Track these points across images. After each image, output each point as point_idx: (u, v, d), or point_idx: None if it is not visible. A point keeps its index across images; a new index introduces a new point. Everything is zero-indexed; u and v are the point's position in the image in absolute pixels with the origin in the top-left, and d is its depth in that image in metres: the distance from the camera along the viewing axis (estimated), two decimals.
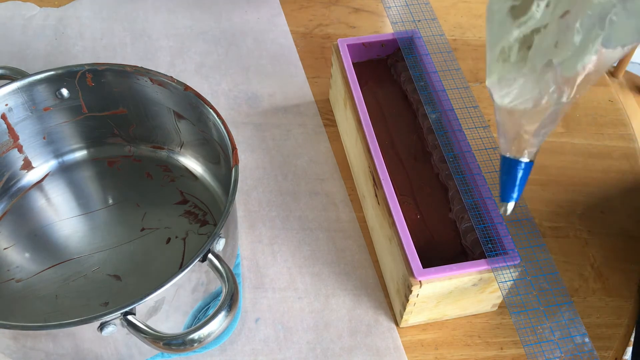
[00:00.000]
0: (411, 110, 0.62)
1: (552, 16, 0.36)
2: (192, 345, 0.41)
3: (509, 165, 0.41)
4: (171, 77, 0.54)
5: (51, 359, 0.47)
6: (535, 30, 0.36)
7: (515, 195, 0.42)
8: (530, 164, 0.41)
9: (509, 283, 0.48)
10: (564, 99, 0.37)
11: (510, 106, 0.39)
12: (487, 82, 0.40)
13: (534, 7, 0.36)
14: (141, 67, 0.55)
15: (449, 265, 0.48)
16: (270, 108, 0.68)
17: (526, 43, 0.37)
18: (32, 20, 0.75)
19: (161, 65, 0.71)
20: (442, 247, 0.52)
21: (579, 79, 0.36)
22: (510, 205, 0.42)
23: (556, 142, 0.67)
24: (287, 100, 0.69)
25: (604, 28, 0.34)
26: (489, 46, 0.39)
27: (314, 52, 0.74)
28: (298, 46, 0.74)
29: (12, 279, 0.53)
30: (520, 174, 0.41)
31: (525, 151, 0.40)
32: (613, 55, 0.35)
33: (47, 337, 0.44)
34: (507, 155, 0.41)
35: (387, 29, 0.76)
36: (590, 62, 0.35)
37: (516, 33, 0.37)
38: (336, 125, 0.67)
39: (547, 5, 0.35)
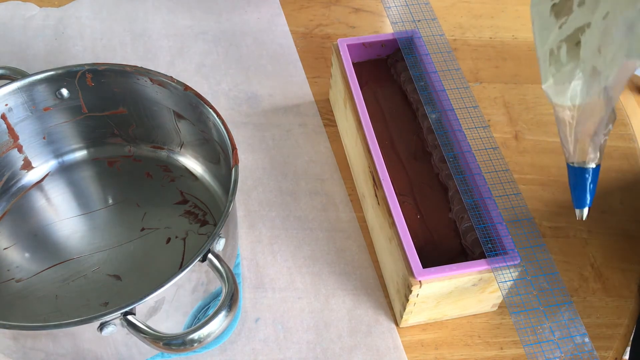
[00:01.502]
0: (411, 110, 0.62)
1: (593, 16, 0.35)
2: (192, 345, 0.41)
3: (575, 174, 0.42)
4: (171, 77, 0.54)
5: (51, 359, 0.47)
6: (580, 30, 0.36)
7: (587, 201, 0.42)
8: (596, 169, 0.41)
9: (509, 283, 0.48)
10: (613, 97, 0.37)
11: (568, 104, 0.39)
12: (543, 86, 0.40)
13: (574, 5, 0.36)
14: (141, 67, 0.55)
15: (449, 265, 0.48)
16: (270, 108, 0.68)
17: (573, 41, 0.37)
18: (32, 20, 0.75)
19: (161, 65, 0.71)
20: (442, 247, 0.52)
21: (622, 79, 0.36)
22: (585, 211, 0.43)
23: (556, 142, 0.67)
24: (287, 100, 0.69)
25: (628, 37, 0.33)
26: (538, 50, 0.39)
27: (314, 52, 0.74)
28: (298, 46, 0.74)
29: (12, 279, 0.53)
30: (588, 180, 0.41)
31: (589, 156, 0.41)
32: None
33: (47, 337, 0.44)
34: (573, 163, 0.41)
35: (387, 29, 0.76)
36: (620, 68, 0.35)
37: (560, 32, 0.37)
38: (336, 125, 0.67)
39: (583, 4, 0.35)
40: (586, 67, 0.37)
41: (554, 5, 0.37)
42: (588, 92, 0.38)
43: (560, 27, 0.37)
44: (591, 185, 0.42)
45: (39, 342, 0.44)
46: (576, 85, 0.38)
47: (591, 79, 0.37)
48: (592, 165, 0.41)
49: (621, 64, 0.34)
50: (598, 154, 0.41)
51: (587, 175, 0.41)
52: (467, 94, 0.58)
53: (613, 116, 0.39)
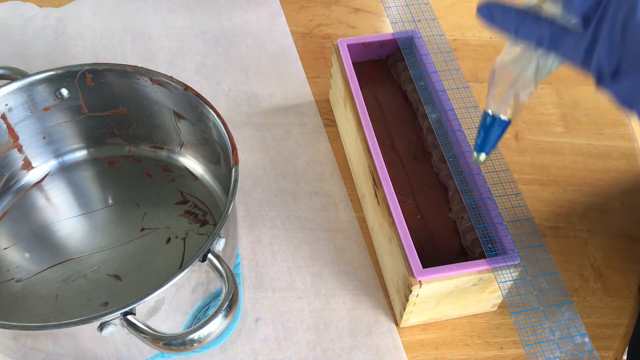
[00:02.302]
0: (411, 110, 0.62)
1: None
2: (192, 345, 0.41)
3: (489, 121, 0.45)
4: (171, 77, 0.54)
5: (51, 359, 0.47)
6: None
7: (488, 148, 0.45)
8: (508, 123, 0.44)
9: (509, 283, 0.48)
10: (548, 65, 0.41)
11: (508, 65, 0.43)
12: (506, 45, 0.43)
13: None
14: (141, 67, 0.55)
15: (449, 265, 0.48)
16: (270, 108, 0.68)
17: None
18: (32, 20, 0.75)
19: (161, 65, 0.71)
20: (442, 247, 0.52)
21: None
22: (483, 156, 0.45)
23: (556, 142, 0.67)
24: (287, 100, 0.69)
25: None
26: None
27: (314, 52, 0.74)
28: (298, 46, 0.74)
29: (12, 279, 0.53)
30: (498, 130, 0.45)
31: (505, 108, 0.44)
32: None
33: (47, 337, 0.44)
34: (489, 111, 0.44)
35: (387, 29, 0.76)
36: None
37: None
38: (336, 125, 0.67)
39: None
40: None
41: None
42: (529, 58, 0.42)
43: None
44: (497, 135, 0.45)
45: (39, 342, 0.44)
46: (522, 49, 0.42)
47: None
48: (504, 117, 0.44)
49: None
50: (512, 108, 0.44)
51: (496, 125, 0.44)
52: (467, 94, 0.58)
53: (535, 81, 0.42)
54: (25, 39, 0.73)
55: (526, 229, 0.51)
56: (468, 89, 0.59)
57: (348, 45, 0.62)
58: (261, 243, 0.58)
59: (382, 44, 0.64)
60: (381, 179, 0.53)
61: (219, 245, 0.47)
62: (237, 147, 0.54)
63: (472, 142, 0.55)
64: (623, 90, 0.34)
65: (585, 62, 0.36)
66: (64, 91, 0.56)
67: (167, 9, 0.77)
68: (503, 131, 0.45)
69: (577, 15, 0.35)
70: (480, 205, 0.51)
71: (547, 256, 0.49)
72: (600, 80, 0.35)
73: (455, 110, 0.57)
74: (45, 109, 0.57)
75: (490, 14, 0.39)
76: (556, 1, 0.37)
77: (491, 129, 0.45)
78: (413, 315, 0.52)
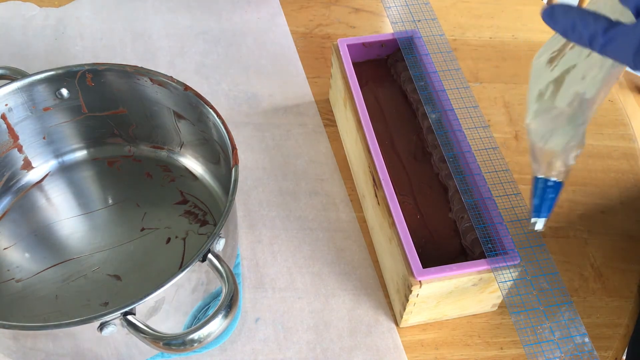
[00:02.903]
0: (411, 110, 0.62)
1: (579, 57, 0.42)
2: (192, 346, 0.41)
3: (540, 186, 0.46)
4: (171, 77, 0.54)
5: (51, 359, 0.47)
6: (566, 71, 0.43)
7: (545, 213, 0.46)
8: (560, 185, 0.45)
9: (508, 283, 0.48)
10: (585, 120, 0.43)
11: (545, 147, 0.45)
12: (525, 122, 0.45)
13: (567, 48, 0.43)
14: (141, 67, 0.55)
15: (449, 265, 0.48)
16: (270, 108, 0.68)
17: (559, 82, 0.43)
18: (32, 20, 0.75)
19: (161, 65, 0.71)
20: (442, 247, 0.52)
21: (597, 101, 0.42)
22: (542, 222, 0.46)
23: None
24: (287, 100, 0.69)
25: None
26: (530, 95, 0.45)
27: (314, 52, 0.74)
28: (298, 46, 0.74)
29: (12, 279, 0.53)
30: (550, 192, 0.45)
31: (555, 172, 0.45)
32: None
33: (47, 337, 0.44)
34: (539, 176, 0.46)
35: (387, 29, 0.76)
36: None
37: (551, 75, 0.43)
38: (336, 125, 0.67)
39: (574, 47, 0.42)
40: (565, 99, 0.43)
41: (551, 58, 0.44)
42: (564, 136, 0.44)
43: (551, 70, 0.43)
44: (552, 198, 0.46)
45: (39, 342, 0.44)
46: (557, 132, 0.44)
47: (570, 116, 0.43)
48: (558, 179, 0.45)
49: (606, 74, 0.41)
50: (564, 172, 0.45)
51: (549, 188, 0.45)
52: (467, 94, 0.58)
53: (582, 142, 0.44)
54: (25, 39, 0.73)
55: (526, 229, 0.51)
56: (468, 89, 0.59)
57: (348, 45, 0.62)
58: (261, 243, 0.58)
59: (382, 44, 0.64)
60: (381, 179, 0.53)
61: (219, 245, 0.47)
62: (237, 147, 0.54)
63: (472, 142, 0.55)
64: None
65: (636, 56, 0.36)
66: (64, 91, 0.56)
67: (167, 9, 0.77)
68: (558, 193, 0.45)
69: (632, 7, 0.36)
70: (480, 205, 0.51)
71: (547, 256, 0.49)
72: None
73: (455, 110, 0.57)
74: (45, 109, 0.57)
75: (552, 13, 0.39)
76: None
77: (545, 193, 0.45)
78: (413, 315, 0.52)
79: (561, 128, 0.44)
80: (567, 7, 0.39)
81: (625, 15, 0.38)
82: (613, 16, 0.39)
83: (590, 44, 0.38)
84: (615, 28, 0.36)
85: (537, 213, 0.46)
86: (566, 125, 0.43)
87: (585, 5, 0.45)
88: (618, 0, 0.37)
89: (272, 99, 0.69)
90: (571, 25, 0.38)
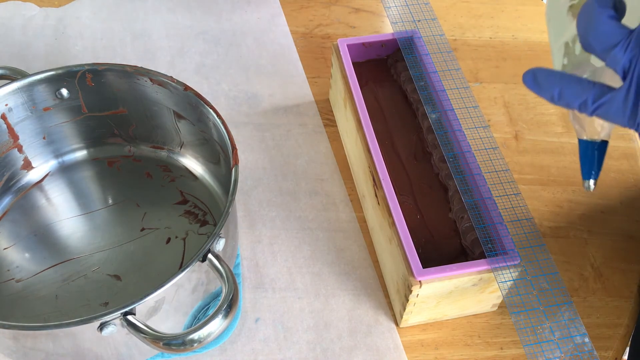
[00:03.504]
0: (411, 110, 0.62)
1: None
2: (192, 346, 0.41)
3: (585, 147, 0.44)
4: (171, 77, 0.54)
5: (51, 359, 0.47)
6: None
7: (594, 173, 0.44)
8: (605, 143, 0.43)
9: (508, 283, 0.48)
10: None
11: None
12: None
13: None
14: (141, 67, 0.55)
15: (449, 265, 0.48)
16: (270, 108, 0.68)
17: None
18: (32, 20, 0.75)
19: (161, 65, 0.71)
20: (442, 247, 0.52)
21: None
22: (592, 182, 0.44)
23: (556, 142, 0.67)
24: (287, 100, 0.69)
25: None
26: (552, 44, 0.42)
27: (314, 52, 0.74)
28: (298, 46, 0.74)
29: (12, 279, 0.53)
30: (596, 153, 0.44)
31: (599, 132, 0.43)
32: None
33: (47, 337, 0.44)
34: (584, 138, 0.44)
35: (387, 29, 0.76)
36: None
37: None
38: (336, 125, 0.67)
39: None
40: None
41: (571, 6, 0.41)
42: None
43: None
44: (599, 159, 0.44)
45: (39, 342, 0.44)
46: (589, 71, 0.41)
47: (600, 67, 0.40)
48: (601, 139, 0.43)
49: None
50: (608, 130, 0.43)
51: (595, 149, 0.43)
52: (467, 94, 0.58)
53: None
54: (25, 39, 0.73)
55: (526, 229, 0.51)
56: (468, 89, 0.59)
57: (348, 45, 0.62)
58: (261, 243, 0.58)
59: (382, 44, 0.64)
60: (381, 179, 0.53)
61: (219, 245, 0.47)
62: (237, 147, 0.54)
63: (472, 142, 0.55)
64: None
65: (631, 117, 0.36)
66: (64, 91, 0.56)
67: (167, 9, 0.77)
68: (604, 152, 0.44)
69: (619, 69, 0.36)
70: (480, 205, 0.51)
71: (547, 256, 0.49)
72: None
73: (455, 110, 0.57)
74: (45, 109, 0.57)
75: (534, 79, 0.39)
76: (599, 55, 0.37)
77: (593, 155, 0.44)
78: (413, 315, 0.52)
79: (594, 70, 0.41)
80: (550, 74, 0.38)
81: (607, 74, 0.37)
82: (597, 64, 0.38)
83: (580, 109, 0.38)
84: (604, 95, 0.36)
85: (588, 175, 0.44)
86: (606, 81, 0.40)
87: (561, 56, 0.43)
88: (605, 64, 0.36)
89: (272, 99, 0.69)
90: (557, 92, 0.38)
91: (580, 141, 0.44)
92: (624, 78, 0.36)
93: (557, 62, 0.43)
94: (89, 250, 0.55)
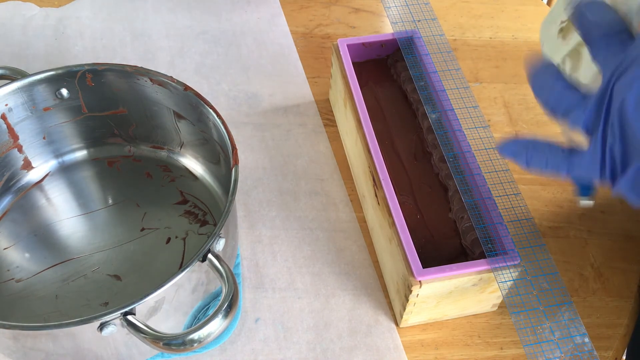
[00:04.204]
0: (411, 110, 0.62)
1: None
2: (192, 346, 0.41)
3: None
4: (171, 77, 0.54)
5: (51, 359, 0.47)
6: (580, 43, 0.41)
7: (590, 190, 0.44)
8: None
9: (508, 283, 0.48)
10: None
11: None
12: None
13: None
14: (141, 67, 0.55)
15: (449, 265, 0.48)
16: (270, 108, 0.68)
17: (575, 55, 0.42)
18: (32, 20, 0.75)
19: (161, 65, 0.71)
20: (442, 247, 0.52)
21: None
22: (589, 200, 0.44)
23: None
24: (287, 100, 0.69)
25: None
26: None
27: (314, 52, 0.74)
28: (298, 46, 0.74)
29: (12, 279, 0.53)
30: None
31: None
32: None
33: (47, 337, 0.44)
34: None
35: (387, 29, 0.76)
36: None
37: (566, 47, 0.42)
38: (336, 125, 0.67)
39: None
40: (587, 73, 0.41)
41: (561, 29, 0.42)
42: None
43: (566, 43, 0.42)
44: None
45: (39, 342, 0.44)
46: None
47: (593, 80, 0.41)
48: None
49: None
50: None
51: None
52: (467, 94, 0.58)
53: None
54: (25, 39, 0.73)
55: (526, 229, 0.51)
56: (468, 89, 0.59)
57: (348, 45, 0.62)
58: (261, 243, 0.58)
59: (382, 44, 0.64)
60: (381, 179, 0.53)
61: (219, 245, 0.47)
62: (237, 147, 0.54)
63: (472, 142, 0.55)
64: (633, 181, 0.35)
65: (602, 173, 0.37)
66: (64, 91, 0.56)
67: (167, 9, 0.77)
68: None
69: (582, 128, 0.37)
70: (480, 205, 0.51)
71: (547, 256, 0.49)
72: (614, 183, 0.36)
73: (455, 110, 0.57)
74: (45, 109, 0.57)
75: (505, 149, 0.40)
76: (562, 118, 0.38)
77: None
78: (413, 315, 0.52)
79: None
80: (515, 141, 0.40)
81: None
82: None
83: (555, 173, 0.39)
84: (573, 157, 0.38)
85: (585, 192, 0.44)
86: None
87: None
88: (567, 125, 0.38)
89: (272, 99, 0.69)
90: (530, 158, 0.39)
91: None
92: (587, 136, 0.37)
93: None
94: (89, 250, 0.55)
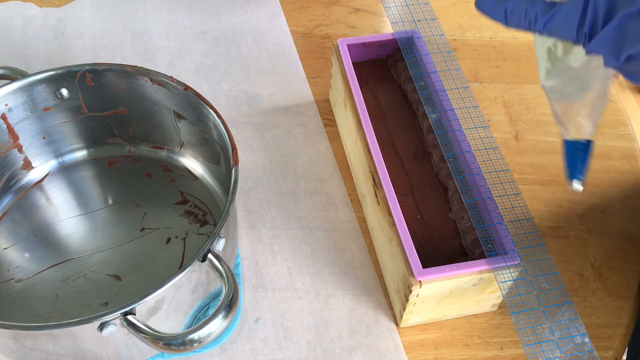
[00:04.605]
0: (411, 110, 0.62)
1: None
2: (192, 346, 0.41)
3: (570, 148, 0.45)
4: (171, 77, 0.54)
5: (51, 359, 0.47)
6: None
7: (580, 174, 0.44)
8: (590, 143, 0.44)
9: (508, 283, 0.48)
10: (608, 74, 0.41)
11: (563, 100, 0.43)
12: (540, 82, 0.44)
13: None
14: (141, 67, 0.55)
15: (449, 265, 0.48)
16: (270, 108, 0.68)
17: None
18: (32, 20, 0.75)
19: (161, 65, 0.71)
20: (442, 247, 0.52)
21: None
22: (578, 184, 0.45)
23: (556, 142, 0.67)
24: (287, 100, 0.69)
25: None
26: (537, 50, 0.43)
27: (314, 52, 0.74)
28: (298, 46, 0.74)
29: (12, 279, 0.53)
30: (581, 153, 0.44)
31: (583, 132, 0.44)
32: None
33: (47, 337, 0.44)
34: (568, 138, 0.44)
35: (387, 29, 0.76)
36: None
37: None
38: (336, 125, 0.67)
39: None
40: (578, 57, 0.40)
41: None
42: (579, 80, 0.41)
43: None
44: (585, 158, 0.44)
45: (39, 342, 0.44)
46: (569, 76, 0.42)
47: (583, 66, 0.41)
48: (586, 139, 0.44)
49: None
50: (592, 129, 0.44)
51: (580, 149, 0.44)
52: (467, 94, 0.58)
53: (607, 97, 0.42)
54: (25, 39, 0.73)
55: (526, 229, 0.51)
56: (468, 89, 0.59)
57: (348, 45, 0.62)
58: (261, 243, 0.58)
59: (382, 44, 0.64)
60: (381, 179, 0.53)
61: (219, 245, 0.47)
62: (237, 147, 0.54)
63: (472, 142, 0.55)
64: (617, 30, 0.34)
65: (579, 27, 0.35)
66: (64, 91, 0.56)
67: (167, 9, 0.77)
68: (588, 152, 0.44)
69: None
70: (480, 205, 0.51)
71: (547, 256, 0.49)
72: (590, 39, 0.35)
73: (455, 110, 0.57)
74: (45, 109, 0.57)
75: (481, 2, 0.39)
76: None
77: (577, 155, 0.44)
78: (413, 315, 0.52)
79: (582, 85, 0.41)
80: None
81: None
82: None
83: (530, 28, 0.37)
84: (553, 8, 0.36)
85: (574, 176, 0.45)
86: (587, 82, 0.41)
87: None
88: None
89: (272, 99, 0.69)
90: (509, 9, 0.38)
91: (565, 142, 0.45)
92: None
93: (542, 67, 0.43)
94: (89, 250, 0.55)
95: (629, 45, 0.33)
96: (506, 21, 0.39)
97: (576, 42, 0.36)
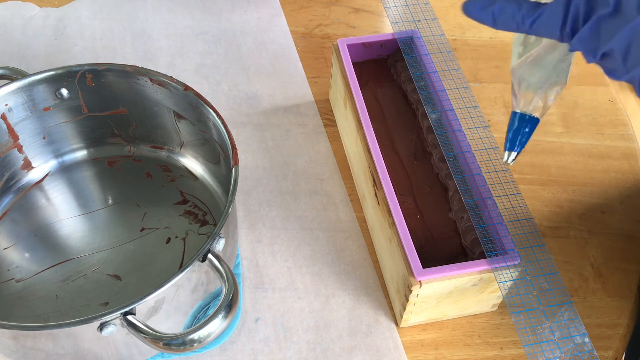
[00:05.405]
0: (411, 110, 0.62)
1: None
2: (192, 346, 0.41)
3: (516, 120, 0.46)
4: (171, 77, 0.54)
5: (51, 359, 0.47)
6: None
7: (518, 147, 0.47)
8: (536, 121, 0.46)
9: (508, 283, 0.48)
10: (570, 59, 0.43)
11: (527, 83, 0.45)
12: (511, 65, 0.46)
13: None
14: (141, 67, 0.55)
15: (449, 265, 0.48)
16: (270, 108, 0.68)
17: None
18: (32, 20, 0.75)
19: (161, 65, 0.71)
20: (442, 247, 0.52)
21: None
22: (514, 155, 0.47)
23: (556, 142, 0.67)
24: (287, 100, 0.69)
25: None
26: (514, 38, 0.45)
27: (314, 52, 0.74)
28: (298, 46, 0.74)
29: (12, 279, 0.53)
30: (526, 127, 0.46)
31: (533, 108, 0.45)
32: None
33: (47, 337, 0.44)
34: (517, 110, 0.46)
35: (387, 29, 0.76)
36: None
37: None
38: (336, 125, 0.67)
39: None
40: (548, 44, 0.43)
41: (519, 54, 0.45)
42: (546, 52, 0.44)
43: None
44: (527, 133, 0.46)
45: (39, 342, 0.44)
46: (538, 60, 0.44)
47: (551, 53, 0.43)
48: (535, 115, 0.46)
49: None
50: (540, 105, 0.45)
51: (526, 122, 0.46)
52: (467, 94, 0.58)
53: (564, 80, 0.44)
54: (25, 39, 0.73)
55: (526, 229, 0.51)
56: (468, 89, 0.59)
57: (348, 45, 0.62)
58: (261, 243, 0.58)
59: (382, 44, 0.64)
60: (381, 179, 0.53)
61: (219, 245, 0.47)
62: (237, 147, 0.54)
63: (472, 142, 0.55)
64: (593, 30, 0.36)
65: (563, 26, 0.37)
66: (64, 91, 0.56)
67: (167, 9, 0.77)
68: (533, 129, 0.46)
69: None
70: (480, 205, 0.51)
71: (547, 256, 0.49)
72: (573, 37, 0.37)
73: (455, 110, 0.57)
74: (45, 109, 0.57)
75: (469, 5, 0.41)
76: None
77: (521, 128, 0.46)
78: (413, 315, 0.52)
79: (545, 64, 0.44)
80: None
81: None
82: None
83: (518, 29, 0.39)
84: (539, 8, 0.38)
85: (511, 147, 0.47)
86: (550, 62, 0.43)
87: None
88: None
89: (272, 99, 0.69)
90: (497, 11, 0.40)
91: (513, 113, 0.46)
92: None
93: (515, 51, 0.45)
94: (89, 250, 0.55)
95: (603, 43, 0.36)
96: (494, 24, 0.41)
97: (561, 40, 0.38)
